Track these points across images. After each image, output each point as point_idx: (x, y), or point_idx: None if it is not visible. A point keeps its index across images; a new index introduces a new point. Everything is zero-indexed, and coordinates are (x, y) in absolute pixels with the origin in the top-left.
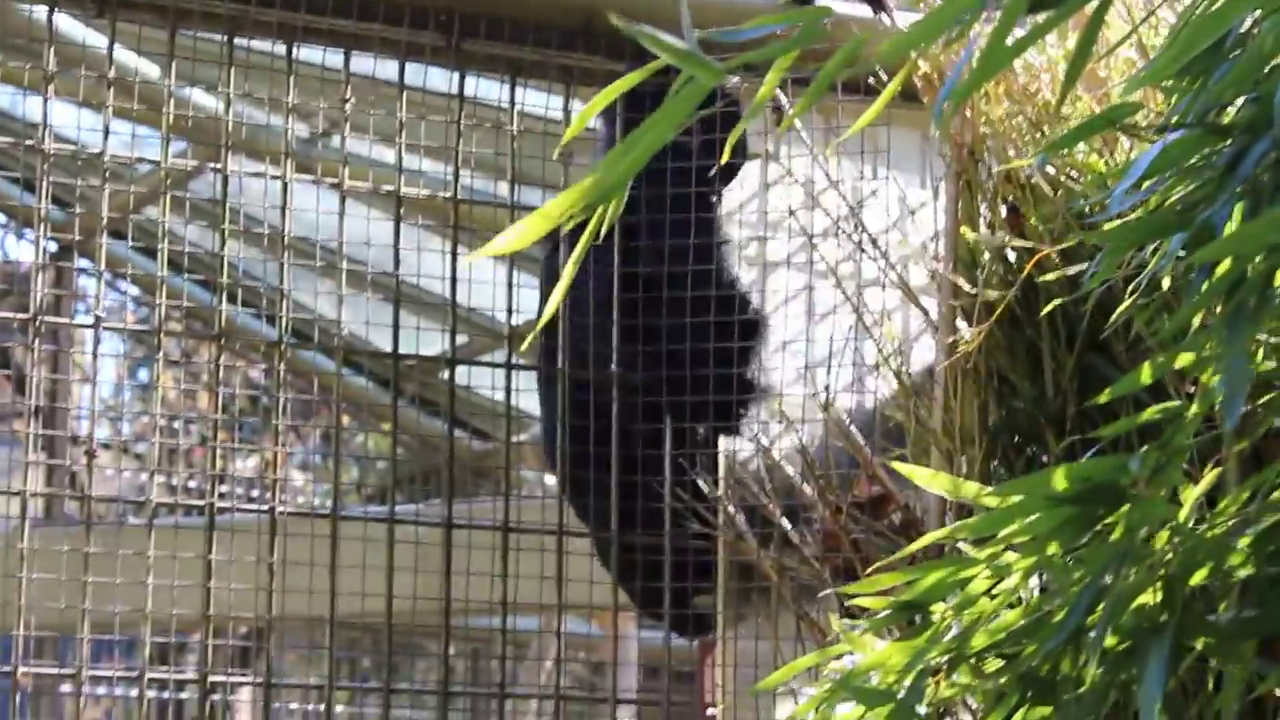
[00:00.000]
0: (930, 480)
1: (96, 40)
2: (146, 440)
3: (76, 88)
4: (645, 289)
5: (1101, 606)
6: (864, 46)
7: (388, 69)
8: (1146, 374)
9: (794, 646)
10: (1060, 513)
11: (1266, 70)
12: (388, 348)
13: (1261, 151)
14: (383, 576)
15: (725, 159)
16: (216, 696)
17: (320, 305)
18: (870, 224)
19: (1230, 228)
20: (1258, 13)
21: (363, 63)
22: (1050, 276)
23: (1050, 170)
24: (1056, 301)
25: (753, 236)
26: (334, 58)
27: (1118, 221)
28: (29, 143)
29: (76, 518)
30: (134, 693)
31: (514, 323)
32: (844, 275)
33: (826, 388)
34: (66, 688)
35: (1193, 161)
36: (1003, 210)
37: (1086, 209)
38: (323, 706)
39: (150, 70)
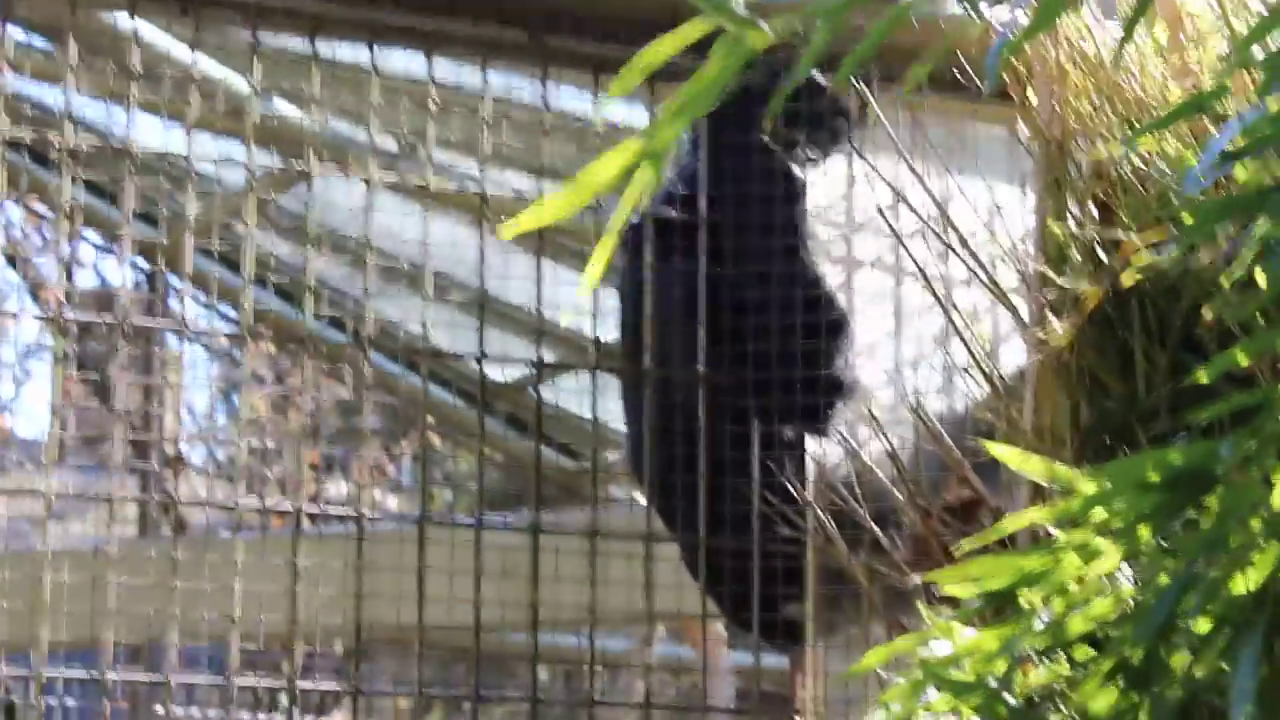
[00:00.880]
0: (1023, 463)
1: (180, 50)
2: (234, 447)
3: (159, 97)
4: (730, 290)
5: (1192, 594)
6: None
7: (471, 77)
8: (1241, 356)
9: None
10: (1150, 499)
11: None
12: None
13: None
14: (470, 583)
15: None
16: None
17: (407, 317)
18: (958, 222)
19: None
20: None
21: (445, 70)
22: (1141, 263)
23: (1140, 164)
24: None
25: (839, 234)
26: (416, 66)
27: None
28: (116, 147)
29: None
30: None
31: (599, 335)
32: (933, 276)
33: (916, 390)
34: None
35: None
36: (1092, 208)
37: (1176, 203)
38: None
39: (235, 79)
